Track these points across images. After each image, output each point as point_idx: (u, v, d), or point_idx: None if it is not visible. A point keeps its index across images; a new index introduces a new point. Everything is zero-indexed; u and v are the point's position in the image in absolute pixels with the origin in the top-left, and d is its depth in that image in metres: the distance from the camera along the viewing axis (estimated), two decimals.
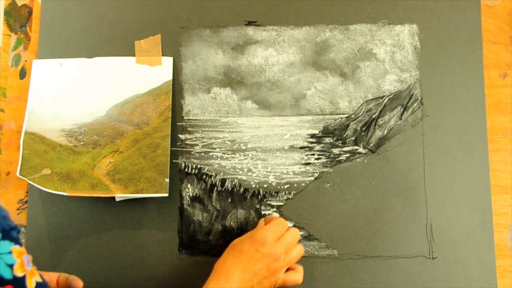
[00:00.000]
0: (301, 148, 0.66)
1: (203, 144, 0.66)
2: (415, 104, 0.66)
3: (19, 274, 0.38)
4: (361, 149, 0.66)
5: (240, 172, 0.66)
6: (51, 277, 0.57)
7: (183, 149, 0.66)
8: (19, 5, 0.71)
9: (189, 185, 0.66)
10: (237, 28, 0.68)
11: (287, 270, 0.58)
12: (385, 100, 0.66)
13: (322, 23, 0.68)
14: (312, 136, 0.66)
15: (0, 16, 0.72)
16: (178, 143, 0.66)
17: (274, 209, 0.65)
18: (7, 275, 0.37)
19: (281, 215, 0.65)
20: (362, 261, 0.63)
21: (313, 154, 0.66)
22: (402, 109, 0.66)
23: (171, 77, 0.67)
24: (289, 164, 0.66)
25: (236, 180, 0.65)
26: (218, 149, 0.66)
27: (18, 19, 0.71)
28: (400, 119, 0.66)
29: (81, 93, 0.67)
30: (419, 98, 0.66)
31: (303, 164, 0.66)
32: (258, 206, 0.65)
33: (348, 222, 0.64)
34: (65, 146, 0.65)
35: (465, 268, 0.63)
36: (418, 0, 0.67)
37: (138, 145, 0.65)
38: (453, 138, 0.65)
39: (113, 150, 0.65)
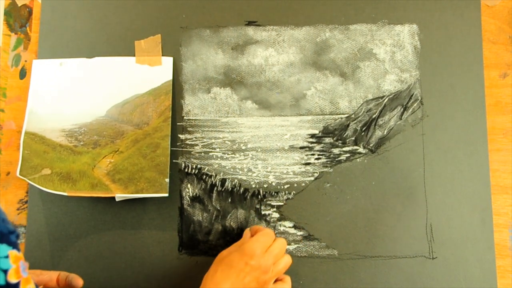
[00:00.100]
0: (301, 148, 0.66)
1: (203, 144, 0.66)
2: (415, 104, 0.66)
3: (13, 280, 0.37)
4: (361, 149, 0.66)
5: (240, 172, 0.66)
6: (51, 275, 0.57)
7: (183, 149, 0.66)
8: (19, 5, 0.71)
9: (189, 185, 0.66)
10: (237, 28, 0.68)
11: (276, 281, 0.58)
12: (385, 100, 0.66)
13: (322, 23, 0.68)
14: (312, 136, 0.66)
15: (0, 16, 0.72)
16: (178, 143, 0.66)
17: (274, 209, 0.65)
18: (0, 280, 0.36)
19: (281, 215, 0.65)
20: (362, 261, 0.63)
21: (313, 154, 0.66)
22: (402, 109, 0.66)
23: (171, 77, 0.67)
24: (289, 164, 0.66)
25: (236, 180, 0.65)
26: (218, 149, 0.66)
27: (18, 19, 0.71)
28: (400, 119, 0.66)
29: (81, 93, 0.67)
30: (419, 98, 0.66)
31: (303, 164, 0.66)
32: (258, 206, 0.65)
33: (348, 222, 0.64)
34: (65, 146, 0.65)
35: (465, 268, 0.63)
36: (418, 0, 0.67)
37: (138, 145, 0.65)
38: (453, 138, 0.65)
39: (113, 150, 0.65)
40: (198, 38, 0.68)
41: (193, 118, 0.67)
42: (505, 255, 0.63)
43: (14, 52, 0.70)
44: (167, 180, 0.63)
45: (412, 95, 0.66)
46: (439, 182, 0.64)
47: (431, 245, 0.63)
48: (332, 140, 0.66)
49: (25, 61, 0.70)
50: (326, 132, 0.66)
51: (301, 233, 0.64)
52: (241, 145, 0.66)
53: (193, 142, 0.66)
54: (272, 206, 0.65)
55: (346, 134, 0.66)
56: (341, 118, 0.66)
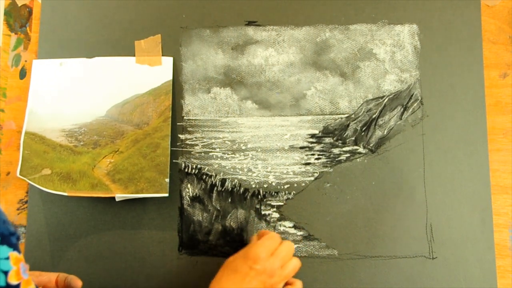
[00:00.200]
0: (301, 148, 0.66)
1: (203, 144, 0.66)
2: (415, 104, 0.66)
3: (13, 282, 0.37)
4: (361, 149, 0.66)
5: (240, 172, 0.66)
6: (50, 277, 0.57)
7: (183, 149, 0.66)
8: (19, 5, 0.71)
9: (189, 185, 0.66)
10: (237, 28, 0.68)
11: (285, 285, 0.57)
12: (385, 100, 0.66)
13: (322, 23, 0.68)
14: (312, 136, 0.66)
15: (0, 16, 0.72)
16: (178, 143, 0.66)
17: (274, 209, 0.65)
18: (1, 282, 0.36)
19: (281, 215, 0.65)
20: (362, 261, 0.63)
21: (313, 154, 0.66)
22: (402, 109, 0.66)
23: (171, 77, 0.67)
24: (289, 164, 0.66)
25: (236, 180, 0.65)
26: (218, 149, 0.66)
27: (18, 19, 0.71)
28: (400, 119, 0.66)
29: (81, 93, 0.67)
30: (419, 98, 0.66)
31: (303, 164, 0.66)
32: (258, 206, 0.65)
33: (348, 222, 0.64)
34: (65, 146, 0.65)
35: (465, 268, 0.63)
36: (418, 0, 0.67)
37: (138, 145, 0.65)
38: (453, 138, 0.65)
39: (113, 150, 0.65)
40: (198, 38, 0.68)
41: (193, 118, 0.67)
42: (505, 255, 0.63)
43: (14, 52, 0.70)
44: (167, 180, 0.63)
45: (412, 95, 0.66)
46: (439, 182, 0.64)
47: (431, 245, 0.63)
48: (332, 140, 0.66)
49: (25, 61, 0.70)
50: (326, 132, 0.66)
51: (301, 233, 0.64)
52: (241, 145, 0.66)
53: (193, 142, 0.66)
54: (272, 206, 0.65)
55: (346, 134, 0.66)
56: (341, 118, 0.66)
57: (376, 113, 0.66)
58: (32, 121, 0.66)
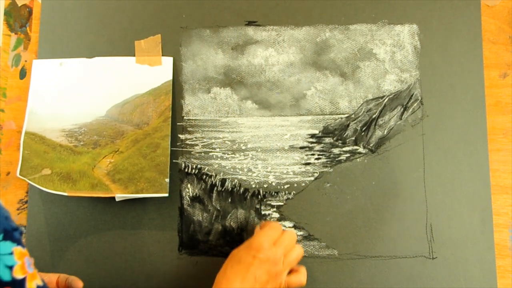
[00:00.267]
0: (301, 148, 0.66)
1: (203, 144, 0.66)
2: (415, 104, 0.66)
3: (19, 276, 0.37)
4: (361, 149, 0.66)
5: (240, 172, 0.66)
6: (51, 278, 0.57)
7: (183, 149, 0.66)
8: (19, 5, 0.71)
9: (189, 185, 0.66)
10: (237, 28, 0.68)
11: (290, 272, 0.58)
12: (385, 100, 0.66)
13: (322, 23, 0.68)
14: (312, 136, 0.66)
15: (0, 16, 0.72)
16: (178, 143, 0.66)
17: (274, 209, 0.65)
18: (6, 277, 0.36)
19: (281, 215, 0.65)
20: (362, 261, 0.63)
21: (313, 154, 0.66)
22: (402, 109, 0.66)
23: (171, 77, 0.67)
24: (289, 164, 0.66)
25: (236, 180, 0.65)
26: (218, 149, 0.66)
27: (18, 19, 0.71)
28: (400, 119, 0.66)
29: (81, 93, 0.67)
30: (419, 98, 0.66)
31: (303, 164, 0.66)
32: (258, 206, 0.65)
33: (348, 222, 0.64)
34: (65, 146, 0.65)
35: (465, 268, 0.63)
36: (418, 0, 0.67)
37: (138, 145, 0.65)
38: (453, 138, 0.65)
39: (113, 150, 0.65)
40: (198, 38, 0.68)
41: (193, 118, 0.67)
42: (505, 255, 0.63)
43: (14, 52, 0.70)
44: (167, 180, 0.63)
45: (412, 95, 0.66)
46: (439, 182, 0.64)
47: (431, 245, 0.63)
48: (332, 140, 0.66)
49: (25, 61, 0.70)
50: (326, 132, 0.66)
51: (301, 233, 0.64)
52: (241, 145, 0.66)
53: (193, 142, 0.66)
54: (272, 206, 0.65)
55: (346, 134, 0.66)
56: (341, 118, 0.66)
57: (376, 113, 0.66)
58: (32, 121, 0.66)
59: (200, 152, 0.66)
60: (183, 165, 0.66)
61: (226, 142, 0.66)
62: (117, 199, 0.63)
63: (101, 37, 0.69)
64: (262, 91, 0.67)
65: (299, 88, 0.67)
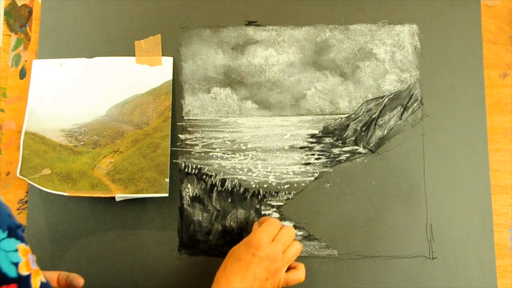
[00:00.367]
0: (301, 148, 0.66)
1: (203, 144, 0.66)
2: (415, 104, 0.66)
3: (24, 272, 0.37)
4: (361, 149, 0.66)
5: (240, 172, 0.66)
6: (52, 275, 0.57)
7: (183, 149, 0.66)
8: (19, 5, 0.71)
9: (189, 185, 0.66)
10: (237, 28, 0.68)
11: (288, 269, 0.58)
12: (385, 100, 0.66)
13: (322, 23, 0.68)
14: (312, 136, 0.66)
15: (0, 16, 0.72)
16: (178, 143, 0.66)
17: (274, 209, 0.65)
18: (12, 273, 0.36)
19: (281, 215, 0.65)
20: (362, 261, 0.63)
21: (313, 154, 0.66)
22: (402, 109, 0.66)
23: (171, 77, 0.67)
24: (289, 164, 0.66)
25: (236, 180, 0.65)
26: (218, 149, 0.66)
27: (18, 19, 0.71)
28: (400, 119, 0.66)
29: (81, 93, 0.67)
30: (419, 98, 0.66)
31: (303, 164, 0.66)
32: (258, 206, 0.65)
33: (348, 222, 0.64)
34: (65, 146, 0.65)
35: (465, 268, 0.63)
36: (418, 0, 0.67)
37: (138, 145, 0.65)
38: (453, 138, 0.65)
39: (113, 150, 0.65)
40: (198, 38, 0.68)
41: (193, 118, 0.67)
42: (505, 255, 0.63)
43: (14, 52, 0.70)
44: (167, 180, 0.63)
45: (412, 95, 0.66)
46: (439, 182, 0.64)
47: (431, 245, 0.63)
48: (332, 140, 0.66)
49: (25, 61, 0.70)
50: (326, 132, 0.66)
51: (301, 233, 0.64)
52: (241, 145, 0.66)
53: (193, 142, 0.66)
54: (272, 206, 0.65)
55: (346, 134, 0.66)
56: (341, 118, 0.66)
57: (376, 113, 0.66)
58: (32, 121, 0.66)
59: (200, 152, 0.66)
60: (183, 165, 0.66)
61: (226, 142, 0.66)
62: (117, 199, 0.63)
63: (101, 37, 0.69)
64: (262, 91, 0.67)
65: (299, 88, 0.67)
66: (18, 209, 0.67)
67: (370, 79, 0.67)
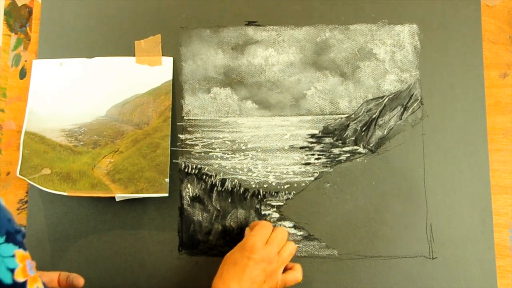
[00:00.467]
0: (301, 148, 0.66)
1: (203, 144, 0.66)
2: (415, 104, 0.66)
3: (20, 279, 0.37)
4: (361, 149, 0.66)
5: (240, 172, 0.66)
6: (52, 276, 0.57)
7: (183, 149, 0.66)
8: (19, 5, 0.71)
9: (189, 185, 0.66)
10: (237, 28, 0.68)
11: (285, 270, 0.58)
12: (385, 100, 0.66)
13: (322, 23, 0.68)
14: (312, 136, 0.66)
15: (0, 16, 0.72)
16: (178, 143, 0.66)
17: (274, 209, 0.65)
18: (7, 279, 0.36)
19: (281, 215, 0.65)
20: (362, 261, 0.63)
21: (313, 154, 0.66)
22: (402, 109, 0.66)
23: (171, 77, 0.67)
24: (289, 164, 0.66)
25: (236, 180, 0.65)
26: (218, 149, 0.66)
27: (18, 19, 0.71)
28: (400, 119, 0.66)
29: (81, 93, 0.67)
30: (419, 98, 0.66)
31: (303, 164, 0.65)
32: (258, 206, 0.65)
33: (348, 222, 0.64)
34: (65, 146, 0.65)
35: (465, 268, 0.63)
36: (418, 0, 0.67)
37: (138, 145, 0.65)
38: (453, 138, 0.65)
39: (113, 150, 0.65)
40: (198, 38, 0.68)
41: (193, 118, 0.67)
42: (505, 255, 0.63)
43: (14, 52, 0.70)
44: (167, 180, 0.63)
45: (412, 95, 0.66)
46: (439, 182, 0.64)
47: (431, 245, 0.63)
48: (332, 140, 0.66)
49: (25, 61, 0.70)
50: (326, 132, 0.66)
51: (301, 233, 0.64)
52: (241, 145, 0.66)
53: (193, 142, 0.66)
54: (272, 206, 0.65)
55: (346, 134, 0.66)
56: (341, 118, 0.66)
57: (376, 113, 0.66)
58: (32, 121, 0.66)
59: (200, 152, 0.66)
60: (183, 165, 0.66)
61: (226, 142, 0.66)
62: (117, 199, 0.63)
63: (101, 37, 0.69)
64: (262, 91, 0.67)
65: (299, 88, 0.67)
66: (18, 209, 0.67)
67: (370, 79, 0.67)
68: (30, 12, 0.71)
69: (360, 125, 0.66)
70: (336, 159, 0.65)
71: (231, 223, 0.65)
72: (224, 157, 0.66)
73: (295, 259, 0.62)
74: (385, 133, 0.66)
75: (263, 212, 0.65)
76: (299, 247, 0.64)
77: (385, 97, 0.66)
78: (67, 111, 0.66)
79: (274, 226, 0.60)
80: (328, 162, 0.65)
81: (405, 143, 0.65)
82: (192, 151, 0.66)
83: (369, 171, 0.65)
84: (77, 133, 0.66)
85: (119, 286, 0.64)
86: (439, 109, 0.65)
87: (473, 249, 0.63)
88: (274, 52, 0.68)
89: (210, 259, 0.65)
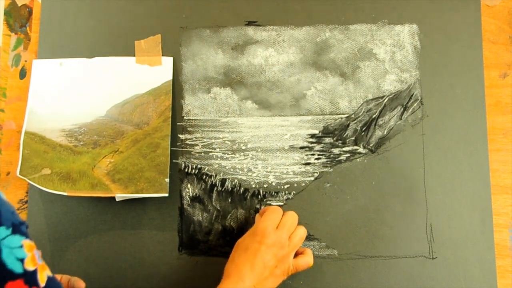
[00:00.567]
0: (301, 148, 0.66)
1: (203, 144, 0.66)
2: (415, 104, 0.66)
3: (30, 268, 0.38)
4: (361, 149, 0.66)
5: (240, 172, 0.66)
6: None
7: (183, 149, 0.66)
8: (19, 5, 0.71)
9: (189, 185, 0.66)
10: (237, 28, 0.68)
11: (296, 255, 0.58)
12: (385, 100, 0.66)
13: (322, 23, 0.68)
14: (312, 136, 0.66)
15: (0, 16, 0.72)
16: (178, 143, 0.66)
17: (276, 205, 0.65)
18: (18, 269, 0.37)
19: None
20: (362, 261, 0.63)
21: (313, 154, 0.66)
22: (402, 109, 0.66)
23: (171, 77, 0.67)
24: (289, 164, 0.66)
25: (236, 180, 0.65)
26: (218, 149, 0.66)
27: (18, 19, 0.71)
28: (400, 119, 0.66)
29: (81, 93, 0.67)
30: (419, 98, 0.66)
31: (303, 164, 0.65)
32: (258, 206, 0.65)
33: (348, 222, 0.64)
34: (65, 146, 0.65)
35: (465, 268, 0.63)
36: (418, 0, 0.67)
37: (138, 145, 0.65)
38: (453, 138, 0.65)
39: (113, 150, 0.65)
40: (198, 38, 0.68)
41: (193, 118, 0.67)
42: (505, 255, 0.63)
43: (14, 52, 0.70)
44: (167, 180, 0.63)
45: (412, 95, 0.66)
46: (439, 182, 0.64)
47: (431, 245, 0.63)
48: (332, 140, 0.66)
49: (25, 61, 0.70)
50: (326, 132, 0.66)
51: None
52: (241, 145, 0.66)
53: (193, 142, 0.66)
54: None
55: (346, 134, 0.66)
56: (341, 118, 0.66)
57: (376, 113, 0.66)
58: (32, 121, 0.66)
59: (200, 152, 0.66)
60: (183, 165, 0.66)
61: (226, 142, 0.66)
62: (117, 199, 0.63)
63: (101, 37, 0.69)
64: (262, 91, 0.67)
65: (299, 88, 0.67)
66: (18, 209, 0.67)
67: (370, 79, 0.67)
68: (30, 12, 0.71)
69: (360, 125, 0.66)
70: (336, 159, 0.65)
71: (231, 223, 0.65)
72: (224, 157, 0.66)
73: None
74: (385, 133, 0.66)
75: (264, 207, 0.65)
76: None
77: (385, 97, 0.66)
78: (67, 111, 0.66)
79: (284, 211, 0.60)
80: (328, 162, 0.65)
81: (405, 143, 0.65)
82: (192, 151, 0.66)
83: (369, 171, 0.65)
84: (77, 133, 0.66)
85: (119, 286, 0.64)
86: (439, 109, 0.65)
87: (473, 249, 0.63)
88: (274, 52, 0.68)
89: (210, 259, 0.65)
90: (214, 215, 0.65)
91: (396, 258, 0.63)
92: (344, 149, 0.66)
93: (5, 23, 0.71)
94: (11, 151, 0.68)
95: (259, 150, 0.66)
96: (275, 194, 0.65)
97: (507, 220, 0.63)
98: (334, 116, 0.66)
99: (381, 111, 0.66)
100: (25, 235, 0.39)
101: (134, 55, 0.68)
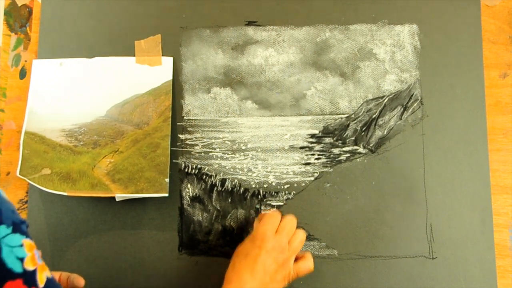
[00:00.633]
0: (301, 148, 0.66)
1: (203, 144, 0.66)
2: (415, 104, 0.66)
3: (29, 267, 0.37)
4: (361, 149, 0.66)
5: (240, 172, 0.66)
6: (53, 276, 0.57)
7: (183, 149, 0.66)
8: (19, 5, 0.71)
9: (189, 185, 0.66)
10: (237, 28, 0.68)
11: (296, 260, 0.58)
12: (385, 100, 0.66)
13: (322, 23, 0.68)
14: (312, 136, 0.66)
15: (0, 16, 0.72)
16: (178, 143, 0.66)
17: (274, 209, 0.65)
18: (18, 268, 0.36)
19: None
20: (362, 261, 0.63)
21: (313, 154, 0.66)
22: (402, 109, 0.66)
23: (171, 77, 0.67)
24: (289, 164, 0.66)
25: (236, 180, 0.65)
26: (218, 149, 0.66)
27: (18, 19, 0.71)
28: (400, 119, 0.66)
29: (81, 93, 0.67)
30: (419, 98, 0.66)
31: (303, 164, 0.65)
32: (258, 206, 0.65)
33: (348, 222, 0.64)
34: (65, 146, 0.65)
35: (465, 268, 0.63)
36: (418, 0, 0.67)
37: (138, 145, 0.65)
38: (453, 138, 0.65)
39: (113, 150, 0.65)
40: (198, 38, 0.68)
41: (193, 118, 0.67)
42: (505, 255, 0.63)
43: (14, 52, 0.70)
44: (167, 180, 0.63)
45: (412, 95, 0.66)
46: (439, 182, 0.64)
47: (431, 245, 0.63)
48: (332, 140, 0.66)
49: (25, 61, 0.70)
50: (326, 132, 0.66)
51: None
52: (241, 145, 0.66)
53: (193, 142, 0.66)
54: (272, 206, 0.65)
55: (346, 134, 0.66)
56: (341, 118, 0.66)
57: (376, 113, 0.66)
58: (32, 121, 0.66)
59: (200, 152, 0.66)
60: (183, 165, 0.66)
61: (226, 142, 0.66)
62: (117, 199, 0.63)
63: (101, 37, 0.69)
64: (262, 91, 0.67)
65: (299, 88, 0.67)
66: (18, 209, 0.67)
67: (370, 79, 0.67)
68: (30, 12, 0.71)
69: (360, 125, 0.66)
70: (336, 159, 0.65)
71: (231, 223, 0.65)
72: (224, 157, 0.66)
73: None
74: (385, 133, 0.66)
75: (263, 212, 0.65)
76: None
77: (385, 97, 0.66)
78: (67, 111, 0.66)
79: (283, 215, 0.60)
80: (328, 162, 0.65)
81: (405, 143, 0.65)
82: (192, 151, 0.66)
83: (369, 171, 0.65)
84: (77, 133, 0.66)
85: (119, 286, 0.64)
86: (439, 109, 0.65)
87: (473, 249, 0.63)
88: (274, 52, 0.68)
89: (210, 259, 0.65)
90: (214, 215, 0.65)
91: (396, 258, 0.63)
92: (344, 149, 0.66)
93: (5, 23, 0.71)
94: (11, 151, 0.68)
95: (259, 150, 0.66)
96: (275, 194, 0.65)
97: (507, 220, 0.63)
98: (334, 116, 0.66)
99: (381, 111, 0.66)
100: (26, 234, 0.38)
101: (134, 55, 0.68)
